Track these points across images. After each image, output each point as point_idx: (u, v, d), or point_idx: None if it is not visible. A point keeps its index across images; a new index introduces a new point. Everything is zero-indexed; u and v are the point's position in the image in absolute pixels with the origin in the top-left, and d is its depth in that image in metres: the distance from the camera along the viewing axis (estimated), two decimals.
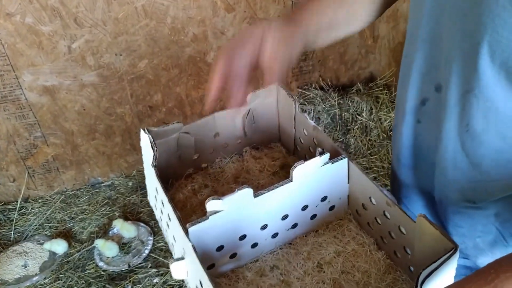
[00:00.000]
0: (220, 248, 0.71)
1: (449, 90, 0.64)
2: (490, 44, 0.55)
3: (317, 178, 0.74)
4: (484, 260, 0.78)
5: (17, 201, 2.12)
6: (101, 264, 1.82)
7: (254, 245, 0.75)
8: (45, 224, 2.04)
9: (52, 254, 1.89)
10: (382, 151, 2.27)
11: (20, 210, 2.10)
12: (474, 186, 0.69)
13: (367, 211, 0.77)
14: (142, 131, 0.78)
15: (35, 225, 2.02)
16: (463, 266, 0.84)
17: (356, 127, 2.33)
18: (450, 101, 0.64)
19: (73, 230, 2.01)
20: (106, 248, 1.84)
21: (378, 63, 2.44)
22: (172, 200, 0.70)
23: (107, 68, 1.90)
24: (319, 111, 2.32)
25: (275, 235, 0.76)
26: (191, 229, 0.64)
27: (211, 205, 0.64)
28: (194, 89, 2.12)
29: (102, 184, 2.23)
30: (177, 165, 0.89)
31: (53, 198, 2.16)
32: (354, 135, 2.32)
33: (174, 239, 0.72)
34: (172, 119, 2.16)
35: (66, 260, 1.88)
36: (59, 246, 1.89)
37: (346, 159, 0.75)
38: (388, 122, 2.32)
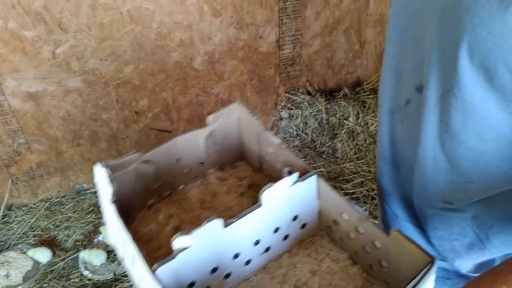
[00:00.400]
0: (191, 284, 0.67)
1: (429, 90, 0.64)
2: (469, 43, 0.55)
3: (287, 199, 0.72)
4: (461, 263, 0.79)
5: (0, 209, 2.08)
6: (86, 273, 1.79)
7: (228, 275, 0.72)
8: (28, 233, 2.00)
9: (36, 263, 1.85)
10: (369, 156, 2.28)
11: (3, 219, 2.06)
12: (453, 187, 0.69)
13: (340, 227, 0.75)
14: (97, 166, 0.74)
15: (19, 234, 1.99)
16: (441, 269, 0.84)
17: (343, 131, 2.33)
18: (431, 101, 0.65)
19: (57, 238, 1.97)
20: (94, 256, 1.81)
21: (365, 68, 2.45)
22: (135, 235, 0.66)
23: (92, 74, 1.88)
24: (306, 115, 2.32)
25: (248, 262, 0.74)
26: (158, 271, 0.60)
27: (179, 242, 0.61)
28: (181, 94, 2.10)
29: (88, 191, 2.20)
30: (138, 196, 0.85)
31: (37, 206, 2.12)
32: (341, 140, 2.32)
33: (140, 280, 0.68)
34: (158, 124, 2.15)
35: (50, 269, 1.84)
36: (43, 255, 1.85)
37: (315, 175, 0.74)
38: (375, 127, 2.32)
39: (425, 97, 0.65)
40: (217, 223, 0.63)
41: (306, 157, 2.31)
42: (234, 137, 0.93)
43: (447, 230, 0.76)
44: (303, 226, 0.79)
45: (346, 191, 2.14)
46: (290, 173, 0.71)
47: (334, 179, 2.21)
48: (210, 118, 0.87)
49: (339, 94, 2.43)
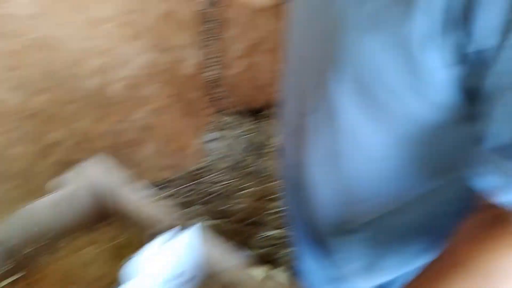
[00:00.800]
0: None
1: (312, 114, 0.66)
2: (346, 68, 0.56)
3: (166, 256, 0.67)
4: (363, 285, 0.79)
5: None
6: None
7: None
8: None
9: None
10: None
11: None
12: (345, 208, 0.71)
13: (228, 273, 0.73)
14: None
15: None
16: None
17: (270, 150, 2.35)
18: (315, 125, 0.66)
19: None
20: None
21: None
22: None
23: (0, 105, 1.71)
24: (234, 136, 2.32)
25: None
26: None
27: None
28: (99, 123, 1.99)
29: None
30: None
31: None
32: (269, 159, 2.34)
33: None
34: (75, 155, 2.01)
35: None
36: None
37: (195, 226, 0.71)
38: None
39: (310, 122, 0.67)
40: None
41: (235, 178, 2.29)
42: (94, 196, 0.85)
43: (347, 252, 0.76)
44: (190, 279, 0.73)
45: (276, 210, 2.14)
46: (167, 229, 0.67)
47: (262, 198, 2.21)
48: (58, 181, 0.78)
49: (265, 113, 2.46)
